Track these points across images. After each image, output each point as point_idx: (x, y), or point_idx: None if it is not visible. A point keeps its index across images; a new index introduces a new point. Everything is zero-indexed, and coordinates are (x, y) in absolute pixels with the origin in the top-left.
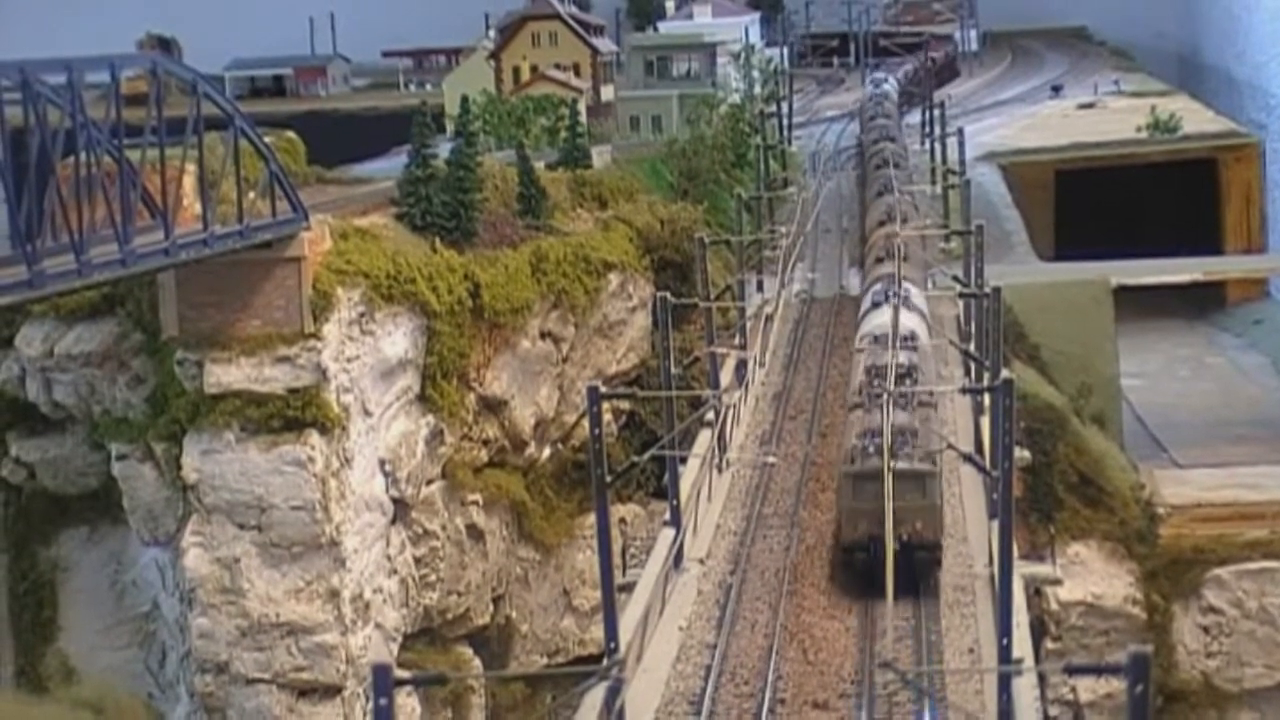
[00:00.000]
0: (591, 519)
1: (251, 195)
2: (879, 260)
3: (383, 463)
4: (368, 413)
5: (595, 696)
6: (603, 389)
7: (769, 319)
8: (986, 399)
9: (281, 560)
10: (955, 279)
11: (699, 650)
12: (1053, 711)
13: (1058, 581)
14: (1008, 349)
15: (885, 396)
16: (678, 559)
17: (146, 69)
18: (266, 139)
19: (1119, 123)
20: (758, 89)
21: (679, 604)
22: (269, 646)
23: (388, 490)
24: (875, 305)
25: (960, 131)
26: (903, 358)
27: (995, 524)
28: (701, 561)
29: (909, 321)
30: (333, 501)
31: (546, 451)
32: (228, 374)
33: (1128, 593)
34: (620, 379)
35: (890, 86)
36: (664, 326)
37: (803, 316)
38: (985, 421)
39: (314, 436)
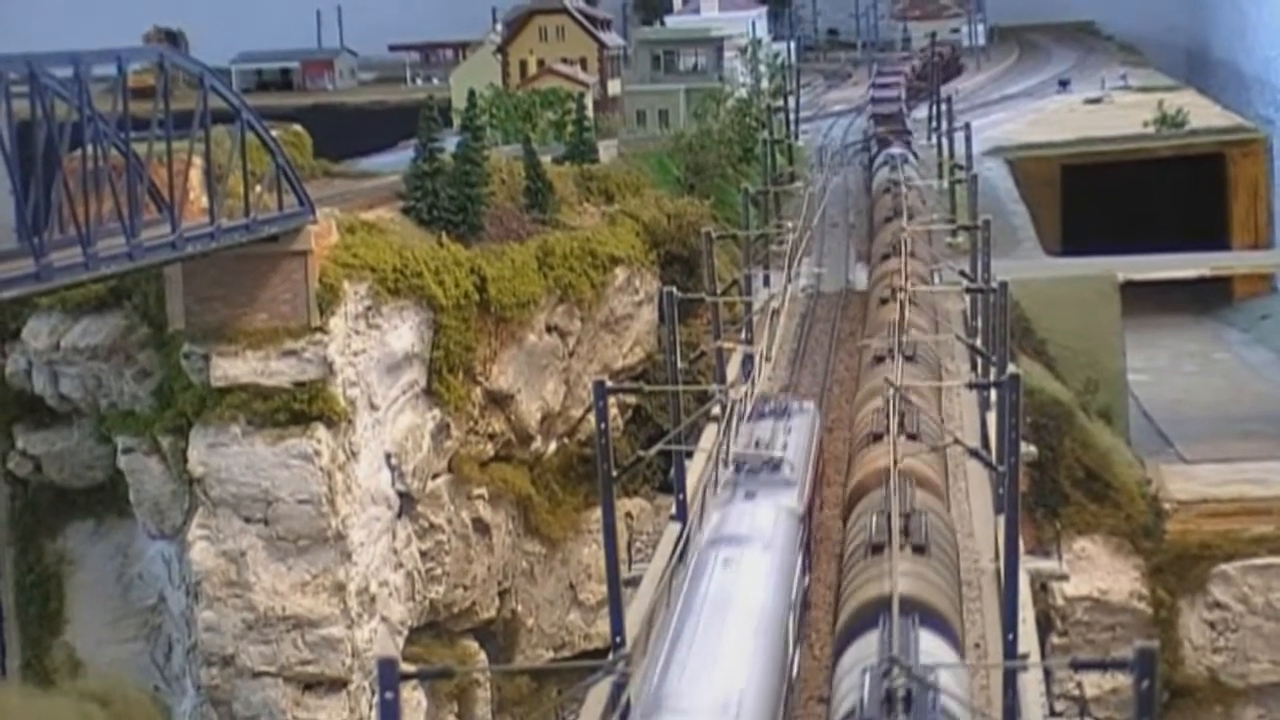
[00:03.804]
0: (597, 513)
1: (258, 189)
2: (870, 551)
3: (389, 456)
4: (374, 406)
5: (601, 691)
6: (609, 383)
7: (775, 313)
8: (993, 394)
9: (288, 553)
10: (962, 274)
11: None
12: (1058, 706)
13: (1064, 577)
14: (1014, 344)
15: None
16: (683, 552)
17: (153, 62)
18: (273, 132)
19: (1126, 118)
20: (764, 83)
21: None
22: (275, 640)
23: (394, 484)
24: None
25: (967, 126)
26: None
27: (1001, 519)
28: None
29: None
30: (339, 495)
31: (552, 445)
32: (234, 367)
33: (1134, 588)
34: (626, 373)
35: (912, 167)
36: (670, 321)
37: (809, 311)
38: (992, 416)
39: (320, 430)
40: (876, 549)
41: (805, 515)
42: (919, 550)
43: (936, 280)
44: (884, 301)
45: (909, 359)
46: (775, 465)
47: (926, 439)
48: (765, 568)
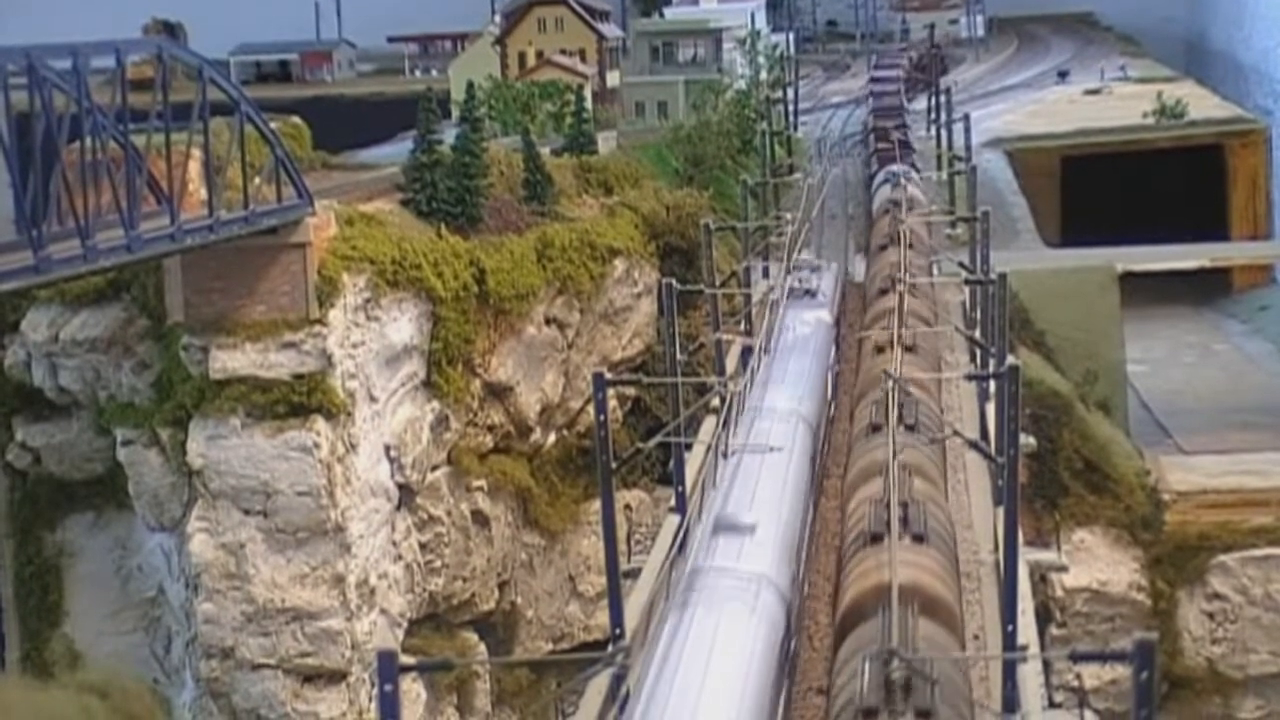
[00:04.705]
0: (597, 505)
1: (257, 181)
2: (861, 717)
3: (388, 449)
4: (373, 399)
5: (600, 682)
6: (608, 375)
7: (774, 305)
8: (992, 385)
9: (287, 546)
10: (961, 265)
11: None
12: (1057, 698)
13: (1063, 568)
14: (1013, 335)
15: None
16: (682, 545)
17: (152, 54)
18: (272, 124)
19: (1125, 109)
20: (763, 75)
21: None
22: (274, 632)
23: (393, 476)
24: None
25: (966, 118)
26: None
27: (1000, 510)
28: None
29: None
30: (338, 487)
31: (552, 437)
32: (233, 359)
33: (1133, 579)
34: (625, 365)
35: (915, 186)
36: (669, 312)
37: None
38: (991, 408)
39: (319, 422)
40: (868, 715)
41: (834, 325)
42: (924, 716)
43: (935, 272)
44: (879, 350)
45: (910, 426)
46: (812, 294)
47: (935, 538)
48: (811, 342)
